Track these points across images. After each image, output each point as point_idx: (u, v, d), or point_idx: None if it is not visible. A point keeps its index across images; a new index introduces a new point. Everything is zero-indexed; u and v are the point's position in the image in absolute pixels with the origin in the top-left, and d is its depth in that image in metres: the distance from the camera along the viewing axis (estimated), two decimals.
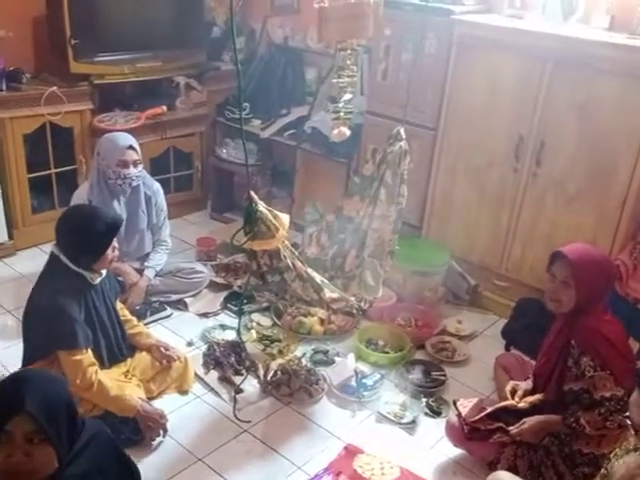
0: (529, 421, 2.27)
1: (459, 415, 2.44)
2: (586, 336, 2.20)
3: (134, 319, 2.82)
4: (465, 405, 2.47)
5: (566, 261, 2.22)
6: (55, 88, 3.59)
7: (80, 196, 3.15)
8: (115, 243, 2.45)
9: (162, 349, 2.72)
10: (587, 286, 2.20)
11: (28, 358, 2.43)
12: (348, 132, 2.60)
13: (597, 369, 2.15)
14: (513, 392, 2.45)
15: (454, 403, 2.52)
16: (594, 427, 2.15)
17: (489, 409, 2.38)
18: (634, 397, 1.70)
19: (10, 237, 3.73)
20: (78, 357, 2.33)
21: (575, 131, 3.02)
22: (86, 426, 1.60)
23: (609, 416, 2.14)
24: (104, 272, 2.50)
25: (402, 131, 2.66)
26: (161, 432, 2.48)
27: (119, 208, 3.20)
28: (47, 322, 2.33)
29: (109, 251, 2.42)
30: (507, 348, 3.17)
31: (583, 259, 2.22)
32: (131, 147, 3.11)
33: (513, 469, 2.28)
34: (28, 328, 2.43)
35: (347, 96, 2.50)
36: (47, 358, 2.38)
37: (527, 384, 2.47)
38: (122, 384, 2.51)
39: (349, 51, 2.49)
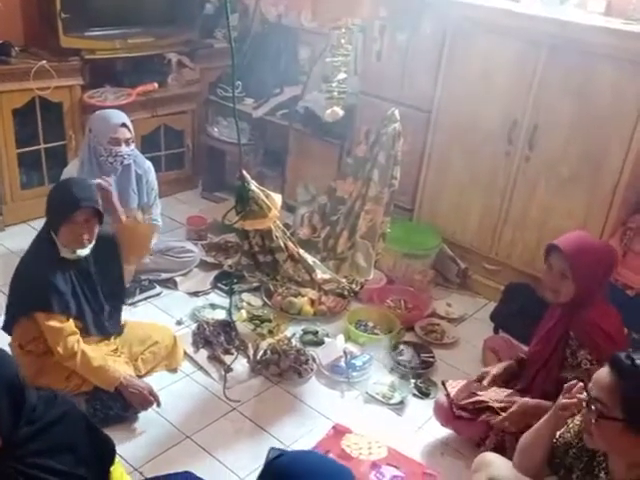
0: (519, 404, 2.26)
1: (448, 395, 2.46)
2: (586, 330, 2.18)
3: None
4: (454, 386, 2.49)
5: (562, 255, 2.19)
6: (44, 62, 3.53)
7: (70, 172, 3.11)
8: (81, 229, 2.34)
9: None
10: (586, 277, 2.17)
11: (9, 321, 2.44)
12: (341, 112, 2.59)
13: (594, 363, 2.14)
14: (481, 378, 2.46)
15: (443, 383, 2.54)
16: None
17: (478, 396, 2.39)
18: (602, 375, 1.54)
19: None
20: (56, 324, 2.34)
21: (569, 116, 3.01)
22: (57, 402, 1.60)
23: None
24: (80, 252, 2.40)
25: (396, 112, 2.64)
26: (153, 403, 2.47)
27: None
28: (25, 284, 2.37)
29: (65, 229, 2.32)
30: (496, 331, 3.19)
31: (580, 251, 2.18)
32: (124, 125, 3.08)
33: (500, 449, 2.29)
34: (10, 293, 2.45)
35: (341, 75, 2.49)
36: (27, 326, 2.39)
37: (498, 368, 2.48)
38: (108, 358, 2.51)
39: (343, 30, 2.47)
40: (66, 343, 2.36)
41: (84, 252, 2.42)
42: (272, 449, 2.36)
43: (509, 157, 3.25)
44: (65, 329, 2.36)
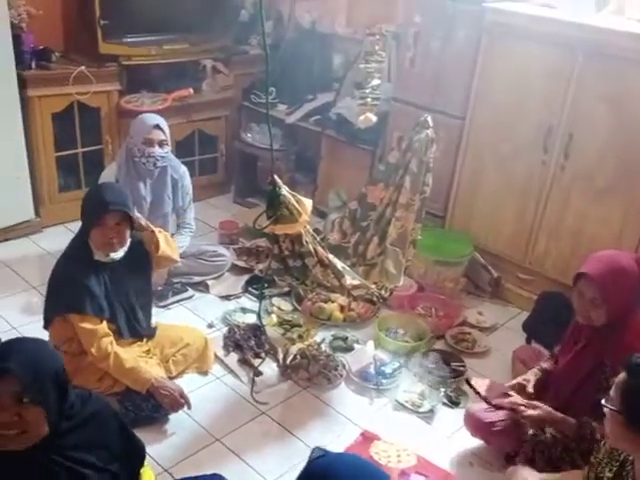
0: (544, 410, 2.20)
1: (478, 393, 2.40)
2: (622, 355, 2.11)
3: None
4: (480, 385, 2.43)
5: (592, 283, 2.11)
6: (83, 68, 3.62)
7: (107, 175, 3.18)
8: (110, 232, 2.36)
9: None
10: (618, 302, 2.10)
11: (46, 319, 2.50)
12: (374, 118, 2.59)
13: None
14: (521, 389, 2.37)
15: (467, 382, 2.49)
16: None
17: (511, 397, 2.33)
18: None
19: (37, 214, 3.78)
20: (89, 326, 2.38)
21: (605, 124, 2.96)
22: (92, 400, 1.65)
23: None
24: (114, 255, 2.43)
25: (429, 119, 2.63)
26: (184, 405, 2.49)
27: (144, 190, 3.22)
28: (60, 286, 2.42)
29: (96, 232, 2.36)
30: (528, 341, 3.14)
31: (610, 277, 2.09)
32: (158, 126, 3.13)
33: (531, 463, 2.26)
34: (46, 294, 2.51)
35: (375, 81, 2.49)
36: (63, 326, 2.44)
37: (534, 373, 2.42)
38: (140, 359, 2.55)
39: (377, 36, 2.48)
40: (100, 345, 2.40)
41: (117, 255, 2.45)
42: (316, 448, 2.34)
43: (544, 166, 3.20)
44: (98, 331, 2.40)
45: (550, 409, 2.23)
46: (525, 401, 2.27)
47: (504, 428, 2.36)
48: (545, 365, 2.46)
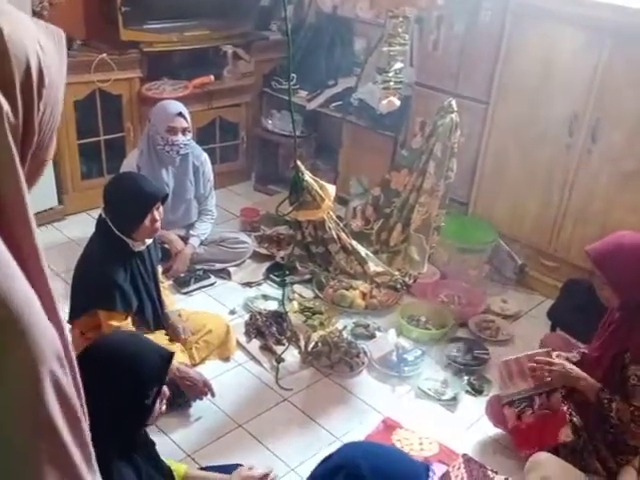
0: (568, 365, 2.20)
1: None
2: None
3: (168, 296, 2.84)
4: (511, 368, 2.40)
5: (591, 260, 2.11)
6: (105, 55, 3.62)
7: (130, 163, 3.18)
8: (156, 215, 2.44)
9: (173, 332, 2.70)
10: (622, 280, 2.06)
11: (72, 314, 2.50)
12: (398, 102, 2.55)
13: None
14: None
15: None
16: (618, 418, 2.07)
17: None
18: None
19: (60, 202, 3.80)
20: (116, 323, 2.39)
21: (634, 107, 2.89)
22: None
23: (638, 423, 2.05)
24: (148, 241, 2.51)
25: (454, 103, 2.59)
26: (208, 394, 2.50)
27: (167, 176, 3.23)
28: (90, 282, 2.41)
29: (147, 222, 2.41)
30: (553, 329, 3.10)
31: (606, 253, 2.07)
32: (180, 114, 3.13)
33: (554, 451, 2.24)
34: (74, 287, 2.51)
35: (398, 65, 2.45)
36: (89, 315, 2.45)
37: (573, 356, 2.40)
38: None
39: (401, 19, 2.44)
40: None
41: (149, 240, 2.50)
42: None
43: (570, 150, 3.14)
44: (123, 328, 2.41)
45: (577, 369, 2.20)
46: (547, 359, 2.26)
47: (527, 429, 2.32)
48: (568, 355, 2.43)
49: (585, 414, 2.25)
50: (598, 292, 2.21)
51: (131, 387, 1.53)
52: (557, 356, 2.35)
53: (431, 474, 1.20)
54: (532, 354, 2.36)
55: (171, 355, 1.66)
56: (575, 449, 2.25)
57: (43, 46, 0.68)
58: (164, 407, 1.70)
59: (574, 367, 2.22)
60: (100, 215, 2.47)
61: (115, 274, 2.38)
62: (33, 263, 0.66)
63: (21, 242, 0.65)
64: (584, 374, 2.19)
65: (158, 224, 2.47)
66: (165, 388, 1.65)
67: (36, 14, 3.40)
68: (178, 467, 1.91)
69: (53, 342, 0.65)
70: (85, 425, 0.68)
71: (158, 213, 2.46)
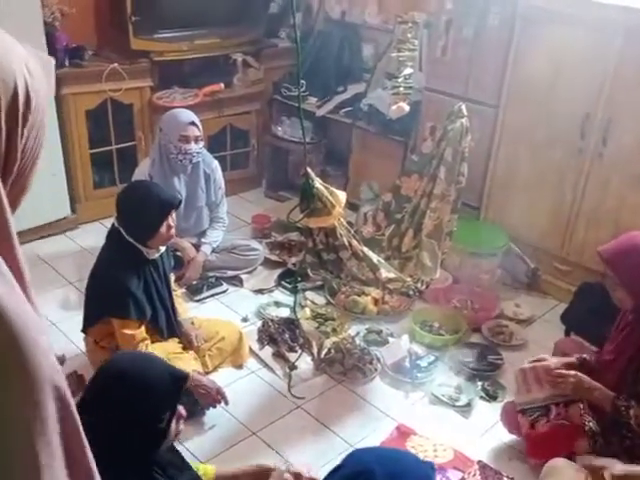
0: (582, 377, 2.16)
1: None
2: None
3: (181, 304, 2.85)
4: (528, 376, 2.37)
5: (604, 262, 2.09)
6: (116, 65, 3.65)
7: (142, 171, 3.20)
8: (171, 222, 2.46)
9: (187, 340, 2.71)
10: (636, 282, 2.04)
11: (86, 323, 2.53)
12: (407, 107, 2.55)
13: None
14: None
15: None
16: (637, 424, 2.04)
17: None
18: None
19: (73, 211, 3.83)
20: (129, 332, 2.40)
21: None
22: None
23: None
24: (162, 248, 2.53)
25: (464, 107, 2.59)
26: (221, 400, 2.50)
27: (179, 184, 3.25)
28: (104, 291, 2.43)
29: (163, 229, 2.43)
30: (567, 333, 3.07)
31: (620, 254, 2.05)
32: (193, 123, 3.15)
33: (570, 457, 2.21)
34: (88, 295, 2.53)
35: (407, 70, 2.45)
36: (103, 324, 2.47)
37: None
38: (175, 356, 2.56)
39: (409, 24, 2.44)
40: (135, 349, 2.42)
41: (163, 247, 2.52)
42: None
43: (581, 153, 3.12)
44: (136, 336, 2.43)
45: (589, 378, 2.17)
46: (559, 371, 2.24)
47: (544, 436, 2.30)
48: (586, 356, 2.40)
49: (601, 419, 2.23)
50: (611, 294, 2.19)
51: (142, 412, 1.50)
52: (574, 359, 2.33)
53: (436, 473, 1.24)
54: (545, 364, 2.34)
55: (185, 377, 1.62)
56: (591, 453, 2.23)
57: (31, 70, 0.68)
58: (182, 426, 1.64)
59: (586, 378, 2.18)
60: (113, 225, 2.48)
61: (129, 282, 2.39)
62: (18, 279, 0.66)
63: (6, 257, 0.65)
64: (597, 384, 2.16)
65: (173, 231, 2.49)
66: (181, 409, 1.61)
67: (48, 25, 3.43)
68: (206, 470, 1.89)
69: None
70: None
71: (172, 220, 2.48)
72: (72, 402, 0.67)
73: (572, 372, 2.22)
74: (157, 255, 2.50)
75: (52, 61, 0.74)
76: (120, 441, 1.44)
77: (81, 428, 0.68)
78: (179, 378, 1.59)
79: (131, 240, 2.42)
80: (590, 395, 2.18)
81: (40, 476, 0.61)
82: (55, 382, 0.64)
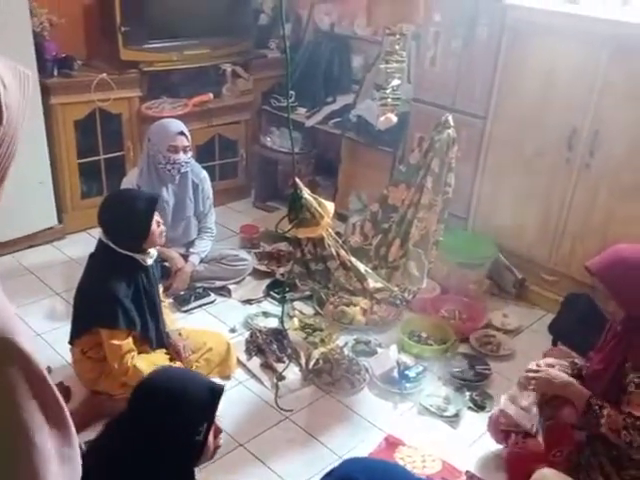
0: (552, 371, 2.18)
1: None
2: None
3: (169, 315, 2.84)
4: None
5: (592, 275, 2.09)
6: (105, 75, 3.64)
7: (129, 181, 3.19)
8: (158, 217, 2.49)
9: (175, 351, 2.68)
10: (626, 294, 2.04)
11: (74, 333, 2.51)
12: (395, 119, 2.56)
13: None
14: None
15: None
16: (608, 426, 2.01)
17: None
18: None
19: (60, 221, 3.81)
20: (117, 342, 2.39)
21: (633, 121, 2.90)
22: None
23: (630, 430, 1.99)
24: (155, 253, 2.53)
25: (450, 118, 2.60)
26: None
27: (167, 194, 3.24)
28: (92, 301, 2.42)
29: (154, 226, 2.45)
30: (554, 343, 3.09)
31: (608, 268, 2.05)
32: (182, 133, 3.15)
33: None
34: (76, 306, 2.51)
35: (395, 82, 2.46)
36: (91, 334, 2.45)
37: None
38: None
39: (397, 36, 2.45)
40: (122, 360, 2.41)
41: (155, 253, 2.53)
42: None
43: (569, 164, 3.15)
44: (123, 347, 2.41)
45: (566, 376, 2.18)
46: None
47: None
48: (577, 360, 2.41)
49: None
50: (602, 307, 2.19)
51: (179, 422, 1.49)
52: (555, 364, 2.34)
53: None
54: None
55: (222, 389, 1.60)
56: (579, 464, 2.23)
57: (7, 84, 0.67)
58: (221, 441, 1.62)
59: (560, 374, 2.19)
60: (100, 241, 2.46)
61: (117, 291, 2.38)
62: None
63: None
64: (571, 379, 2.16)
65: (162, 226, 2.52)
66: (218, 423, 1.59)
67: (37, 35, 3.43)
68: None
69: None
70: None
71: (158, 216, 2.51)
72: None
73: (542, 368, 2.22)
74: (151, 261, 2.50)
75: (29, 75, 0.73)
76: (158, 453, 1.43)
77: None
78: (217, 390, 1.57)
79: (122, 251, 2.41)
80: (564, 390, 2.17)
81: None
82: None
